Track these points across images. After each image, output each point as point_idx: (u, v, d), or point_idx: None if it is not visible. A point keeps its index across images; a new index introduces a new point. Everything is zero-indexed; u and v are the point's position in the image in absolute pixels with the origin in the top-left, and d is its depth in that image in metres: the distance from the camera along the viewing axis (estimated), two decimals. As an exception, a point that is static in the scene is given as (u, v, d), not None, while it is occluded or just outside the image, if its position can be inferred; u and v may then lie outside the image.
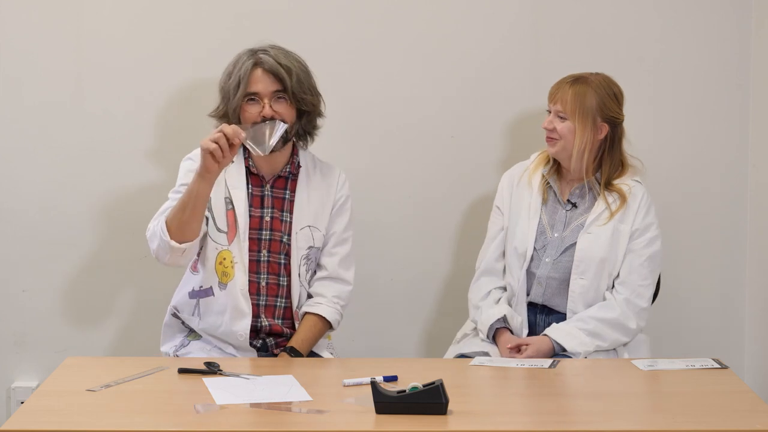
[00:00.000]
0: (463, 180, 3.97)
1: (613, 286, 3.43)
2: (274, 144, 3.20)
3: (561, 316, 3.44)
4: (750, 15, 3.91)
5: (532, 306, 3.48)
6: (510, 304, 3.48)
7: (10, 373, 4.01)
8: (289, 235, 3.39)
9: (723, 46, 3.93)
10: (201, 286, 3.38)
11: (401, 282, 4.01)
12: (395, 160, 3.96)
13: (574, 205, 3.49)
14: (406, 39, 3.92)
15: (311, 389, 2.83)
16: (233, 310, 3.34)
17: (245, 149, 3.38)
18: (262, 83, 3.32)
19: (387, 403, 2.63)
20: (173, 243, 3.20)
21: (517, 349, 3.34)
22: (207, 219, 3.33)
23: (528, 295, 3.47)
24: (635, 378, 3.01)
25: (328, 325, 3.41)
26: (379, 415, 2.63)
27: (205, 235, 3.34)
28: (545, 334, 3.36)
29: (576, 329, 3.35)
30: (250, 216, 3.36)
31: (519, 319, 3.44)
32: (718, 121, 3.96)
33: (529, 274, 3.47)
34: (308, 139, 3.44)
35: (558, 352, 3.33)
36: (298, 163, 3.43)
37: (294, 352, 3.31)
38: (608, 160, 3.47)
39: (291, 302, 3.40)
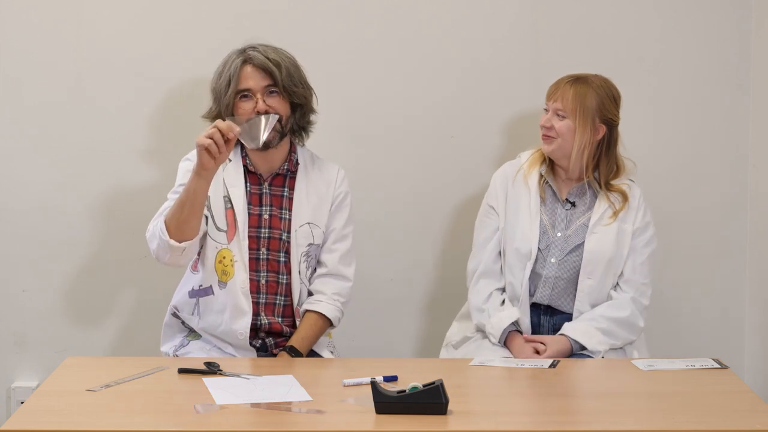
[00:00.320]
0: (463, 180, 3.96)
1: (617, 285, 3.44)
2: (266, 136, 3.20)
3: (566, 317, 3.43)
4: (750, 15, 3.91)
5: (535, 307, 3.47)
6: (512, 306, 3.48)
7: (10, 373, 4.01)
8: (289, 232, 3.39)
9: (723, 46, 3.93)
10: (201, 285, 3.38)
11: (401, 281, 4.01)
12: (395, 159, 3.96)
13: (573, 204, 3.48)
14: (406, 39, 3.92)
15: (311, 389, 2.82)
16: (233, 309, 3.34)
17: (243, 148, 3.38)
18: (253, 79, 3.33)
19: (387, 403, 2.63)
20: (172, 242, 3.20)
21: (535, 350, 3.33)
22: (207, 218, 3.34)
23: (532, 296, 3.46)
24: (635, 378, 3.01)
25: (328, 323, 3.41)
26: (379, 415, 2.63)
27: (205, 234, 3.35)
28: (562, 334, 3.35)
29: (592, 328, 3.34)
30: (249, 214, 3.37)
31: (526, 321, 3.43)
32: (718, 121, 3.96)
33: (533, 275, 3.45)
34: (303, 134, 3.44)
35: (576, 352, 3.32)
36: (296, 160, 3.43)
37: (294, 352, 3.31)
38: (605, 160, 3.46)
39: (291, 300, 3.40)
